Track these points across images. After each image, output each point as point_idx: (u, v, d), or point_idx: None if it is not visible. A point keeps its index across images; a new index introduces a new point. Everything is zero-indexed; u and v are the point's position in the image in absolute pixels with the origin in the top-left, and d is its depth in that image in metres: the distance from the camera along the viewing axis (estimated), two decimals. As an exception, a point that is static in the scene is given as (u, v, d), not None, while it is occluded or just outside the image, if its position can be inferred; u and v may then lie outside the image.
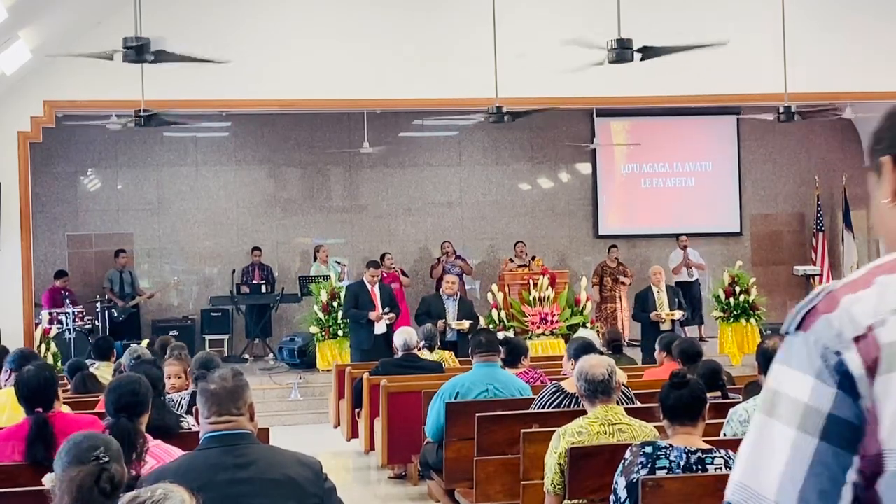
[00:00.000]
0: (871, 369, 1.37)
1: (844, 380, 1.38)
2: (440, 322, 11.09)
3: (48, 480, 2.89)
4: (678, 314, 12.46)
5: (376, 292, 11.78)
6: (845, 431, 1.38)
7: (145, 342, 11.23)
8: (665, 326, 12.27)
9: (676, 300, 12.66)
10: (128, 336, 14.17)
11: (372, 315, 11.55)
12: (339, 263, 15.34)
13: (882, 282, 1.42)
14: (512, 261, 15.04)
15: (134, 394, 4.30)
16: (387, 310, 11.63)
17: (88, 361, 8.75)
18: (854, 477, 1.38)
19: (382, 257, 15.18)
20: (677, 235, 15.85)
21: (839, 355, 1.38)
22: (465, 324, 11.33)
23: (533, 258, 15.17)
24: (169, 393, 6.48)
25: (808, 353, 1.41)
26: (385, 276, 13.87)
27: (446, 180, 16.86)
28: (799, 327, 1.42)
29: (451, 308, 11.58)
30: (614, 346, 9.59)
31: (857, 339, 1.38)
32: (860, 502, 1.38)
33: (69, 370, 8.05)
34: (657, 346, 8.42)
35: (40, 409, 4.74)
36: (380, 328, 11.57)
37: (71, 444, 3.12)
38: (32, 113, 12.56)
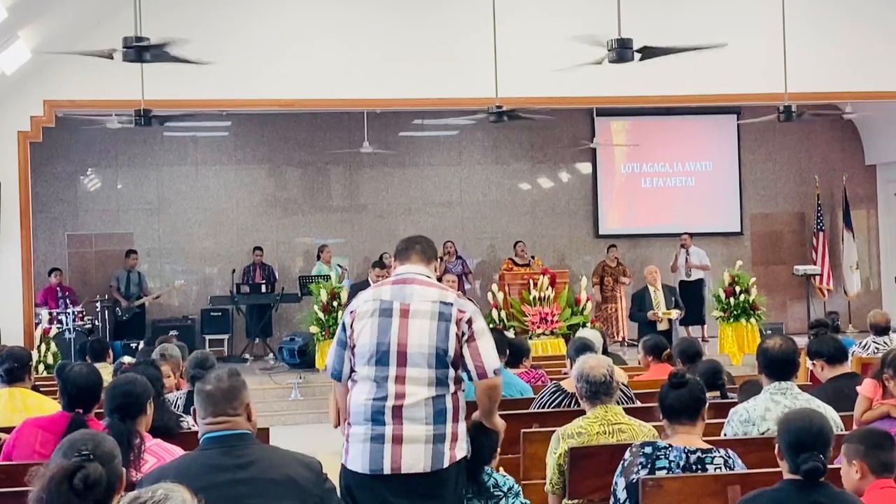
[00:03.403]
0: (353, 321, 4.13)
1: (344, 326, 4.19)
2: None
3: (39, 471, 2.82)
4: (674, 313, 12.44)
5: (380, 292, 11.79)
6: (342, 342, 4.20)
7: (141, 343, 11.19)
8: (662, 326, 12.27)
9: (673, 299, 12.65)
10: (130, 336, 14.18)
11: None
12: (339, 266, 15.37)
13: (370, 290, 4.28)
14: (513, 260, 15.07)
15: (127, 395, 4.27)
16: None
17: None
18: (350, 354, 4.17)
19: (381, 257, 15.19)
20: (680, 234, 15.82)
21: (349, 319, 4.20)
22: None
23: (532, 258, 15.20)
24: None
25: (344, 318, 4.24)
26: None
27: (446, 180, 16.86)
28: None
29: None
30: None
31: (351, 313, 4.19)
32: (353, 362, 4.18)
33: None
34: (641, 351, 8.24)
35: (80, 411, 4.70)
36: None
37: (67, 440, 3.11)
38: (32, 113, 12.57)
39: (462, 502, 4.24)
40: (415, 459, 3.98)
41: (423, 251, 4.31)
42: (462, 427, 4.15)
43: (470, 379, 4.15)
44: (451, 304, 4.10)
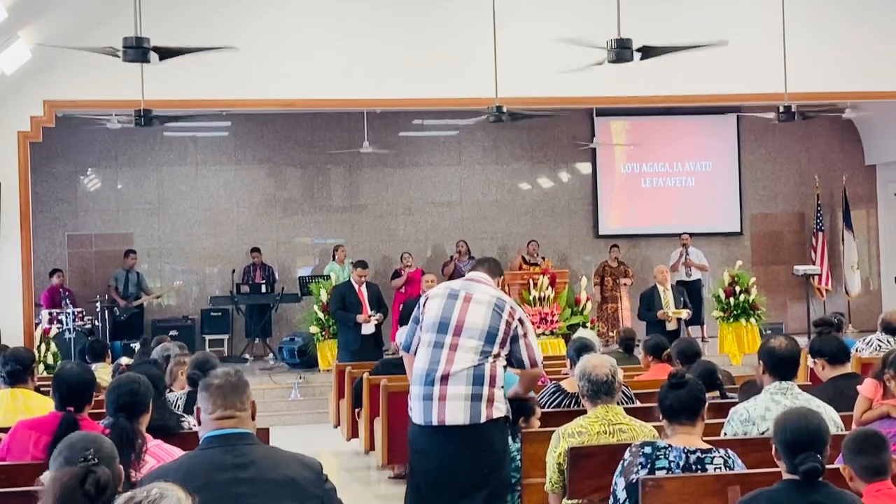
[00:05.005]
0: (426, 301, 5.30)
1: (420, 307, 5.32)
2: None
3: (45, 478, 2.85)
4: (684, 313, 12.45)
5: (364, 292, 11.79)
6: (416, 319, 5.31)
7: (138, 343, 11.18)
8: (671, 326, 12.27)
9: (682, 299, 12.65)
10: (129, 336, 14.18)
11: (359, 318, 11.55)
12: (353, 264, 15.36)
13: (443, 284, 5.57)
14: (525, 258, 15.10)
15: (133, 393, 4.29)
16: (373, 311, 11.65)
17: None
18: (419, 327, 5.28)
19: (401, 257, 15.22)
20: (680, 234, 15.82)
21: (423, 300, 5.36)
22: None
23: (543, 258, 15.23)
24: (171, 391, 6.47)
25: (420, 300, 5.52)
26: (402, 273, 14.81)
27: (446, 180, 16.86)
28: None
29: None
30: (626, 345, 9.50)
31: (426, 296, 5.38)
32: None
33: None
34: (642, 351, 8.25)
35: (72, 409, 4.70)
36: (367, 328, 11.62)
37: (65, 443, 3.11)
38: (32, 113, 12.55)
39: (507, 462, 5.19)
40: (456, 413, 5.01)
41: (489, 268, 5.53)
42: (499, 393, 5.09)
43: (518, 367, 5.22)
44: (506, 303, 5.24)
